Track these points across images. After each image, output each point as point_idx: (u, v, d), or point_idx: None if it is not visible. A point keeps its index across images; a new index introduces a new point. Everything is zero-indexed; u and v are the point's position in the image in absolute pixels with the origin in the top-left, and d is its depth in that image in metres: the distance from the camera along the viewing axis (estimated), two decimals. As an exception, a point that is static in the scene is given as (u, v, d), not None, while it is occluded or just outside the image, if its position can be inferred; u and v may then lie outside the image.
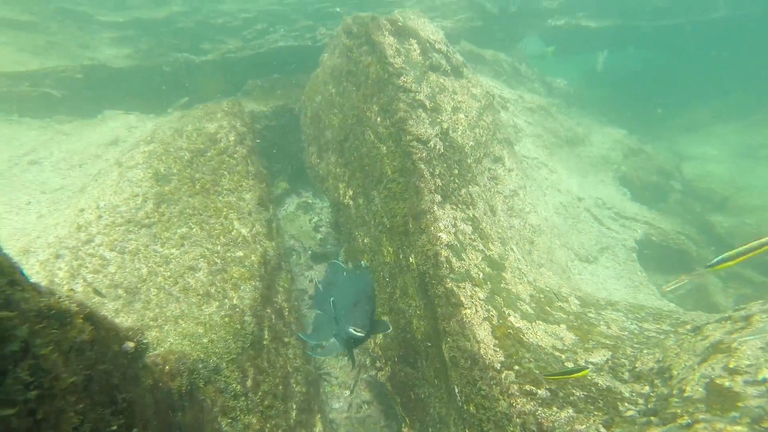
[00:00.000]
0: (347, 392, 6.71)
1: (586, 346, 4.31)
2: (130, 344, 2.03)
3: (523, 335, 3.96)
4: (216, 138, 6.28)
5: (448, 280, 4.16)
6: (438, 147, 5.49)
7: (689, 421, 2.69)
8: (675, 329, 4.72)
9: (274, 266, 5.38)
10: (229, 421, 3.31)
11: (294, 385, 4.54)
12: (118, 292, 3.95)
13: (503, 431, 3.14)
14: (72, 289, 3.72)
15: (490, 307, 4.09)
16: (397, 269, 5.58)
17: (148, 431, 2.05)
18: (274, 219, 6.12)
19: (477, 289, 4.26)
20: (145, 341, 2.21)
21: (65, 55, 10.03)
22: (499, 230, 5.93)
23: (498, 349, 3.55)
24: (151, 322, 3.75)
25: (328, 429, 5.03)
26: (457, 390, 3.87)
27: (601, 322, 4.95)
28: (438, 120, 5.87)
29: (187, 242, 4.75)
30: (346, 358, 7.42)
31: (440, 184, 5.16)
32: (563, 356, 3.99)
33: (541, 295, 5.08)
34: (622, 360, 4.15)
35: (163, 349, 3.38)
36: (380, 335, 5.70)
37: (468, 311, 3.86)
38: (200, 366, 3.21)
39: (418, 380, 4.98)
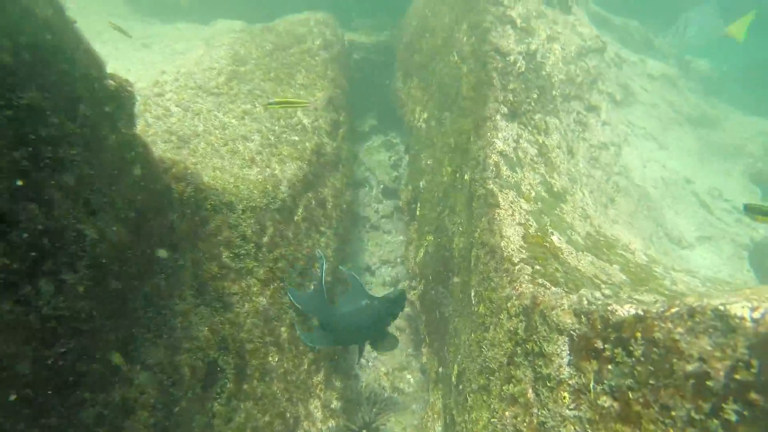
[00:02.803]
0: (384, 315, 6.65)
1: (637, 287, 3.74)
2: (111, 82, 2.09)
3: (561, 253, 3.53)
4: (302, 39, 6.39)
5: (490, 182, 3.83)
6: (519, 65, 5.04)
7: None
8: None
9: (328, 161, 5.39)
10: (232, 255, 3.38)
11: (317, 270, 4.54)
12: (172, 138, 4.20)
13: (500, 315, 2.82)
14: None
15: (531, 218, 3.70)
16: (451, 188, 5.30)
17: (114, 189, 2.11)
18: (342, 125, 6.12)
19: (522, 200, 3.88)
20: (130, 90, 2.27)
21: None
22: (572, 170, 5.35)
23: (523, 250, 3.19)
24: (191, 165, 3.93)
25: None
26: (473, 293, 3.58)
27: (667, 279, 4.27)
28: (526, 41, 5.38)
29: (248, 117, 4.91)
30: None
31: (511, 99, 4.75)
32: (603, 285, 3.50)
33: (602, 238, 4.50)
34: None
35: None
36: (421, 253, 5.51)
37: (502, 211, 3.52)
38: (212, 193, 3.30)
39: (446, 298, 4.74)
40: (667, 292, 3.81)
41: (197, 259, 3.14)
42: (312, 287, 4.29)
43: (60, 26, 2.02)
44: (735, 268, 7.29)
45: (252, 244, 3.59)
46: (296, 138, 5.01)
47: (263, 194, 3.92)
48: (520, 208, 3.76)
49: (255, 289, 3.58)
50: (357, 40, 9.76)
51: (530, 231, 3.54)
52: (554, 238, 3.72)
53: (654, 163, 8.14)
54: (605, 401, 1.78)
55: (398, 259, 7.97)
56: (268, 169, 4.36)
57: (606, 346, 1.86)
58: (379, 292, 7.34)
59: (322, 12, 7.32)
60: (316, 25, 6.83)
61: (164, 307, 2.86)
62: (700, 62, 13.34)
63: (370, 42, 10.02)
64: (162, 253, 2.77)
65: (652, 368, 1.62)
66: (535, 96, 5.12)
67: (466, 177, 4.99)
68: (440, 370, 4.63)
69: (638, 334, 1.71)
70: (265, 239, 3.80)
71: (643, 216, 6.59)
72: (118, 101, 2.29)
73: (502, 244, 3.18)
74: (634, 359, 1.71)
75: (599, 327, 1.93)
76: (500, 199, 3.67)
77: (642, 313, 1.77)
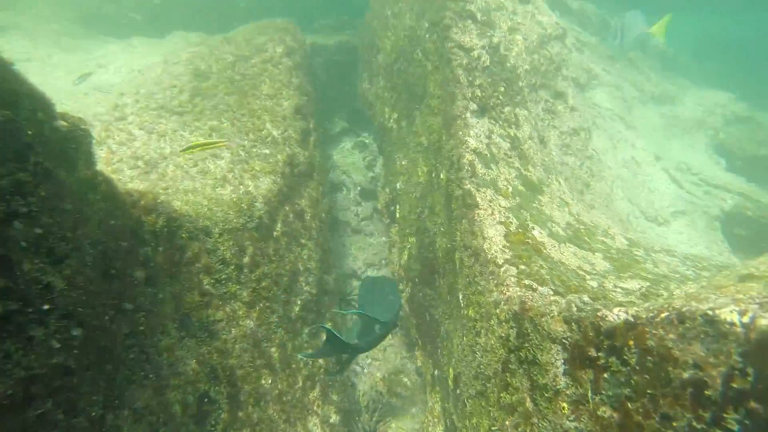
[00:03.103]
0: (372, 319, 6.60)
1: (621, 275, 3.78)
2: (62, 123, 1.97)
3: (544, 248, 3.54)
4: (263, 48, 6.26)
5: (467, 182, 3.81)
6: (483, 59, 5.03)
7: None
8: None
9: (302, 171, 5.30)
10: (213, 281, 3.28)
11: (303, 284, 4.47)
12: (138, 163, 4.05)
13: (490, 321, 2.81)
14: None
15: (511, 216, 3.70)
16: (428, 188, 5.28)
17: (80, 232, 2.00)
18: (313, 132, 6.02)
19: (500, 198, 3.87)
20: (85, 128, 2.16)
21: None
22: (546, 160, 5.39)
23: (506, 250, 3.18)
24: (160, 191, 3.80)
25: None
26: (461, 296, 3.57)
27: (648, 261, 4.34)
28: (488, 34, 5.38)
29: (216, 134, 4.78)
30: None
31: (479, 94, 4.74)
32: (588, 277, 3.53)
33: (581, 227, 4.55)
34: (661, 291, 3.59)
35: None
36: (405, 256, 5.48)
37: (482, 211, 3.51)
38: (186, 220, 3.19)
39: (434, 300, 4.72)
40: (650, 276, 3.88)
41: (177, 291, 3.03)
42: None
43: (-1, 70, 1.90)
44: (710, 239, 7.49)
45: (233, 267, 3.49)
46: (267, 151, 4.90)
47: (239, 214, 3.82)
48: (499, 205, 3.75)
49: (241, 312, 3.48)
50: (319, 42, 9.64)
51: (511, 229, 3.54)
52: (536, 232, 3.73)
53: (623, 143, 8.29)
54: (605, 412, 1.77)
55: (383, 261, 7.93)
56: (241, 187, 4.25)
57: (600, 354, 1.86)
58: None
59: (280, 18, 7.18)
60: (276, 32, 6.70)
61: (147, 345, 2.75)
62: (656, 40, 13.63)
63: (333, 43, 9.91)
64: (139, 273, 2.65)
65: (648, 377, 1.62)
66: (502, 89, 5.12)
67: (441, 176, 4.97)
68: (435, 372, 4.62)
69: (631, 342, 1.71)
70: (246, 260, 3.70)
71: (618, 198, 6.71)
72: (73, 141, 2.17)
73: (485, 246, 3.17)
74: (629, 368, 1.71)
75: (591, 335, 1.93)
76: (478, 199, 3.66)
77: (632, 320, 1.77)
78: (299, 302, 4.29)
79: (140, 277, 2.53)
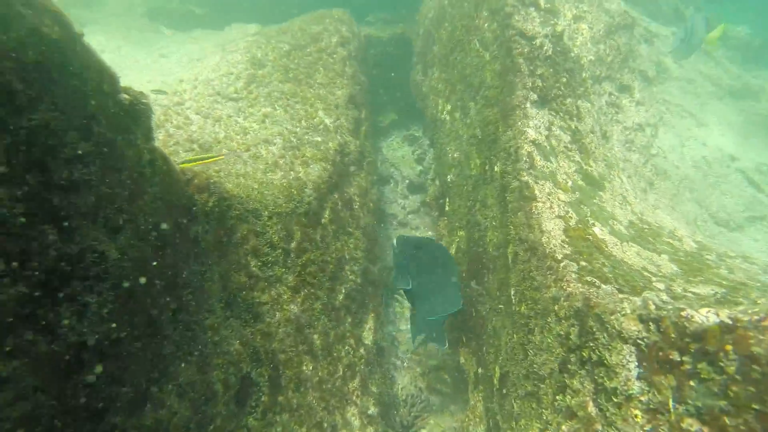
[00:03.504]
0: (416, 314, 6.50)
1: (690, 279, 3.47)
2: (125, 96, 1.99)
3: (606, 246, 3.30)
4: (318, 37, 6.27)
5: (524, 173, 3.62)
6: (545, 48, 4.78)
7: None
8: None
9: (353, 160, 5.26)
10: (260, 264, 3.28)
11: (348, 273, 4.43)
12: (194, 146, 4.13)
13: (547, 318, 2.63)
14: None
15: (570, 210, 3.48)
16: (481, 180, 5.10)
17: (135, 205, 2.02)
18: (364, 122, 5.98)
19: (560, 191, 3.65)
20: (146, 102, 2.18)
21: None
22: (608, 155, 5.07)
23: (566, 245, 2.98)
24: (213, 173, 3.86)
25: (380, 332, 4.86)
26: (512, 292, 3.39)
27: (722, 267, 3.97)
28: (552, 22, 5.11)
29: (269, 120, 4.82)
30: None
31: (540, 84, 4.50)
32: (653, 279, 3.26)
33: (645, 226, 4.23)
34: (740, 299, 3.26)
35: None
36: (453, 250, 5.33)
37: (540, 204, 3.31)
38: (236, 201, 3.20)
39: (482, 296, 4.55)
40: (725, 282, 3.54)
41: (225, 271, 3.06)
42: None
43: (68, 43, 1.94)
44: (789, 249, 6.83)
45: (280, 251, 3.49)
46: (319, 138, 4.90)
47: (288, 199, 3.82)
48: (558, 199, 3.54)
49: (285, 297, 3.48)
50: (373, 34, 9.60)
51: (570, 224, 3.32)
52: (596, 229, 3.49)
53: (693, 141, 7.71)
54: (691, 425, 1.58)
55: (428, 256, 7.81)
56: (292, 173, 4.26)
57: (685, 358, 1.66)
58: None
59: (336, 8, 7.18)
60: (332, 22, 6.69)
61: (193, 322, 2.79)
62: (737, 29, 12.58)
63: (386, 36, 9.82)
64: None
65: (754, 389, 1.41)
66: (564, 80, 4.85)
67: (496, 169, 4.78)
68: (479, 371, 4.45)
69: (728, 347, 1.51)
70: (293, 245, 3.70)
71: (685, 199, 6.23)
72: (134, 115, 2.21)
73: (543, 240, 2.98)
74: (726, 377, 1.51)
75: (673, 336, 1.73)
76: (536, 191, 3.46)
77: (730, 322, 1.56)
78: (344, 291, 4.25)
79: (190, 253, 2.57)
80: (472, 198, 5.18)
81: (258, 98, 5.03)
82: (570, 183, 3.93)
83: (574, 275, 2.61)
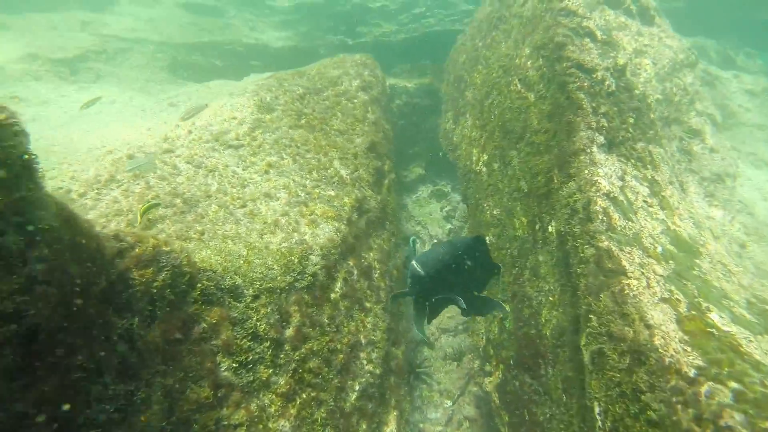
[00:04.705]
0: (449, 402, 5.33)
1: None
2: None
3: (740, 346, 2.24)
4: (337, 81, 5.64)
5: (603, 237, 2.65)
6: (608, 83, 3.93)
7: None
8: None
9: (373, 219, 4.39)
10: (236, 366, 2.31)
11: (364, 362, 3.42)
12: (176, 201, 3.36)
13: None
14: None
15: (673, 288, 2.46)
16: (529, 244, 4.12)
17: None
18: (387, 175, 5.17)
19: (652, 260, 2.65)
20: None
21: (235, 33, 10.75)
22: (692, 211, 4.05)
23: (689, 348, 1.95)
24: (194, 235, 3.04)
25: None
26: (598, 410, 2.32)
27: None
28: (611, 55, 4.29)
29: (274, 170, 4.05)
30: (455, 363, 6.05)
31: (605, 125, 3.62)
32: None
33: (766, 306, 3.13)
34: None
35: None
36: (495, 329, 4.26)
37: (633, 282, 2.32)
38: (205, 277, 2.31)
39: (537, 395, 3.45)
40: None
41: (173, 385, 2.09)
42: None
43: None
44: None
45: (268, 343, 2.54)
46: (332, 192, 4.07)
47: (286, 269, 2.93)
48: (654, 273, 2.53)
49: (273, 409, 2.49)
50: (399, 84, 9.06)
51: (681, 310, 2.29)
52: (714, 316, 2.44)
53: (773, 195, 6.58)
54: None
55: (459, 327, 6.70)
56: (295, 234, 3.40)
57: None
58: (441, 367, 6.05)
59: (358, 54, 6.62)
60: (353, 66, 6.09)
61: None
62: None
63: (413, 86, 9.28)
64: (106, 359, 1.72)
65: None
66: (631, 120, 3.96)
67: (551, 229, 3.82)
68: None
69: None
70: (289, 332, 2.76)
71: (785, 265, 5.06)
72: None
73: (656, 342, 1.96)
74: None
75: None
76: (624, 263, 2.47)
77: None
78: (357, 387, 3.24)
79: (108, 367, 1.63)
80: (518, 265, 4.19)
81: (262, 146, 4.29)
82: (660, 248, 2.92)
83: (734, 414, 1.58)
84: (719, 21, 11.59)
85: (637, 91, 4.29)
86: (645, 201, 3.38)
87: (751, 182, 6.36)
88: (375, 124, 5.33)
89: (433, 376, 5.65)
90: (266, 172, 4.03)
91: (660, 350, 1.91)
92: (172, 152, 3.93)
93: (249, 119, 4.51)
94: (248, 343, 2.42)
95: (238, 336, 2.39)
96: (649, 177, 3.65)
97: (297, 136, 4.57)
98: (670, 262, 2.85)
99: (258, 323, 2.52)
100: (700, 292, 2.67)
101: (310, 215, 3.69)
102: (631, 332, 2.09)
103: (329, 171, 4.33)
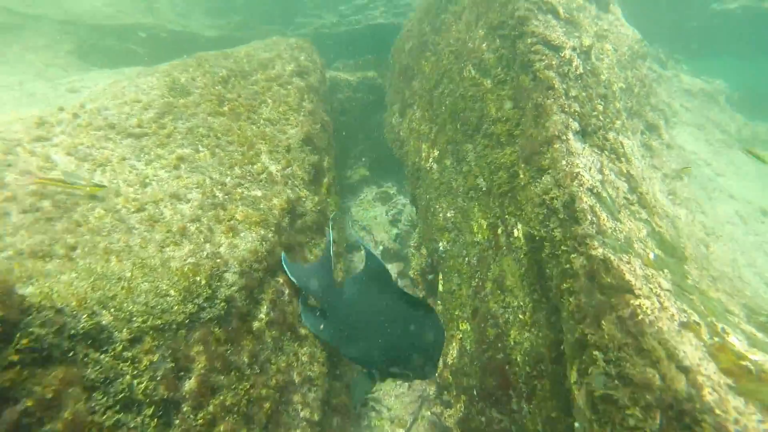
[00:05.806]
0: (401, 431, 4.71)
1: None
2: None
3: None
4: (269, 64, 4.86)
5: (595, 243, 2.11)
6: (575, 63, 3.47)
7: None
8: None
9: (309, 224, 3.67)
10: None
11: (299, 407, 2.70)
12: (43, 203, 2.48)
13: None
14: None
15: (686, 307, 1.95)
16: (490, 251, 3.57)
17: None
18: (327, 172, 4.46)
19: (654, 271, 2.14)
20: None
21: (160, 19, 9.62)
22: (668, 211, 3.68)
23: (742, 399, 1.41)
24: (60, 250, 2.19)
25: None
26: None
27: None
28: (576, 35, 3.85)
29: (186, 165, 3.24)
30: (406, 384, 5.44)
31: (578, 110, 3.13)
32: None
33: (762, 318, 2.75)
34: None
35: (51, 287, 1.78)
36: (454, 351, 3.67)
37: (644, 302, 1.78)
38: (38, 321, 1.48)
39: (511, 434, 2.89)
40: None
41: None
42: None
43: None
44: None
45: (152, 409, 1.75)
46: (258, 193, 3.32)
47: (187, 295, 2.15)
48: (660, 287, 2.01)
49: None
50: (340, 76, 8.37)
51: (704, 338, 1.78)
52: (734, 341, 1.96)
53: (718, 193, 6.53)
54: None
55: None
56: (207, 246, 2.62)
57: None
58: (390, 390, 5.41)
59: (295, 37, 5.87)
60: (288, 49, 5.33)
61: None
62: (716, 82, 12.13)
63: (355, 79, 8.60)
64: None
65: None
66: (600, 108, 3.51)
67: (517, 233, 3.28)
68: None
69: None
70: (190, 385, 1.99)
71: (743, 264, 4.87)
72: None
73: (707, 398, 1.40)
74: None
75: None
76: (628, 276, 1.93)
77: None
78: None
79: None
80: (478, 276, 3.63)
81: (173, 135, 3.46)
82: (652, 255, 2.44)
83: None
84: (653, 25, 11.88)
85: (603, 77, 3.88)
86: (626, 198, 2.92)
87: (697, 180, 6.26)
88: (312, 114, 4.60)
89: (383, 401, 5.01)
90: (176, 167, 3.21)
91: (717, 411, 1.36)
92: (47, 140, 3.01)
93: (157, 103, 3.65)
94: (115, 417, 1.61)
95: (97, 407, 1.58)
96: (625, 171, 3.20)
97: (217, 125, 3.76)
98: (665, 271, 2.37)
99: (135, 381, 1.72)
100: (707, 308, 2.19)
101: (228, 221, 2.92)
102: (658, 378, 1.53)
103: (256, 166, 3.56)
